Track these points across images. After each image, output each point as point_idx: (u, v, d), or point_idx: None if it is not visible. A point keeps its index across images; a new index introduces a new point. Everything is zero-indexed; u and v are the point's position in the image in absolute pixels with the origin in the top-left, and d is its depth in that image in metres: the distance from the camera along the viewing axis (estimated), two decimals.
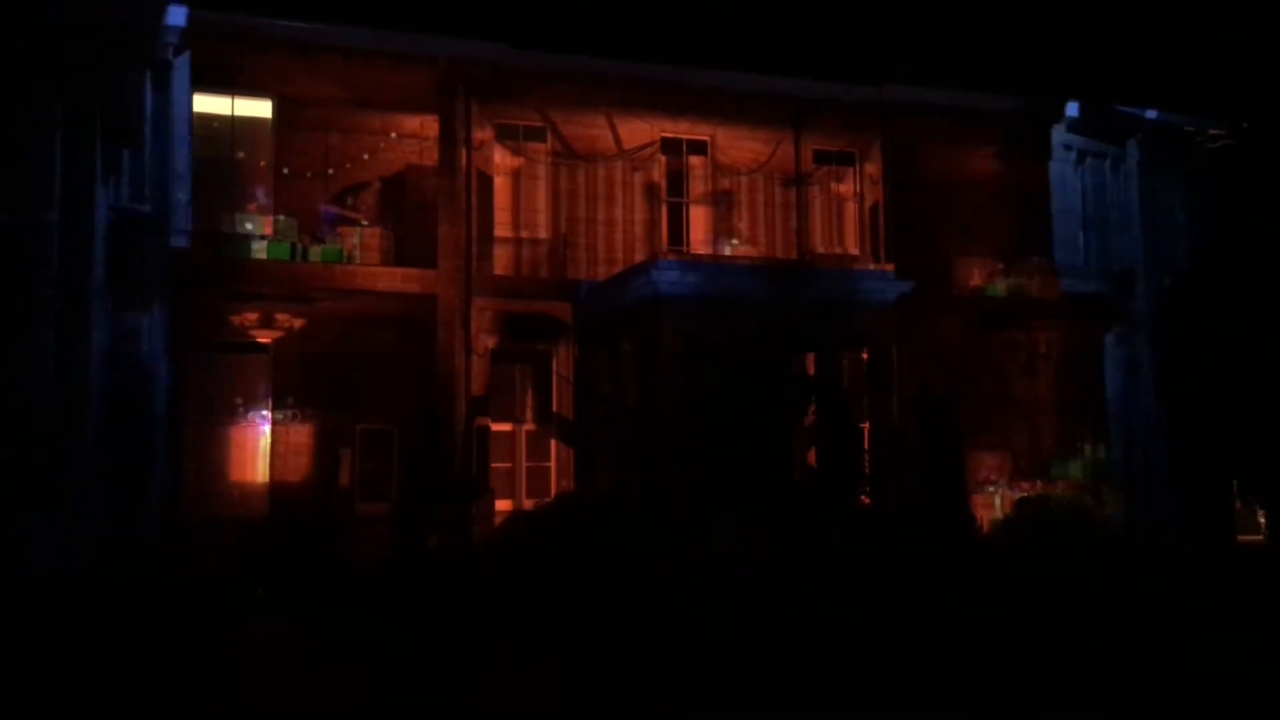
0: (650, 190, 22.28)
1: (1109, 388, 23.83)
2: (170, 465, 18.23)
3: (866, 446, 21.02)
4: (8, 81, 17.22)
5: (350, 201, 20.77)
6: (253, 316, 19.72)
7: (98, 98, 17.49)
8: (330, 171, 20.61)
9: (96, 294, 16.99)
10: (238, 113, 20.08)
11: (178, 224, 18.29)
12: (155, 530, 17.48)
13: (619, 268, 21.13)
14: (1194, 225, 25.47)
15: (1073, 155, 23.78)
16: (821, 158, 23.56)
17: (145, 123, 18.16)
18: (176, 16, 18.22)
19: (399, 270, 20.11)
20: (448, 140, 20.15)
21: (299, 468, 19.88)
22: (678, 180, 22.75)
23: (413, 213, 20.87)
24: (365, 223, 20.39)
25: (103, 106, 17.55)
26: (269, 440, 19.82)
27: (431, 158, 20.60)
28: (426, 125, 20.81)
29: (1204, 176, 25.55)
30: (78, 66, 17.43)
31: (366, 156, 20.90)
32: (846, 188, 24.00)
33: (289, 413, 19.87)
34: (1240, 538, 24.72)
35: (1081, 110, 23.56)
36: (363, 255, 19.98)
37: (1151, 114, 24.44)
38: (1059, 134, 23.57)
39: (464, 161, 20.32)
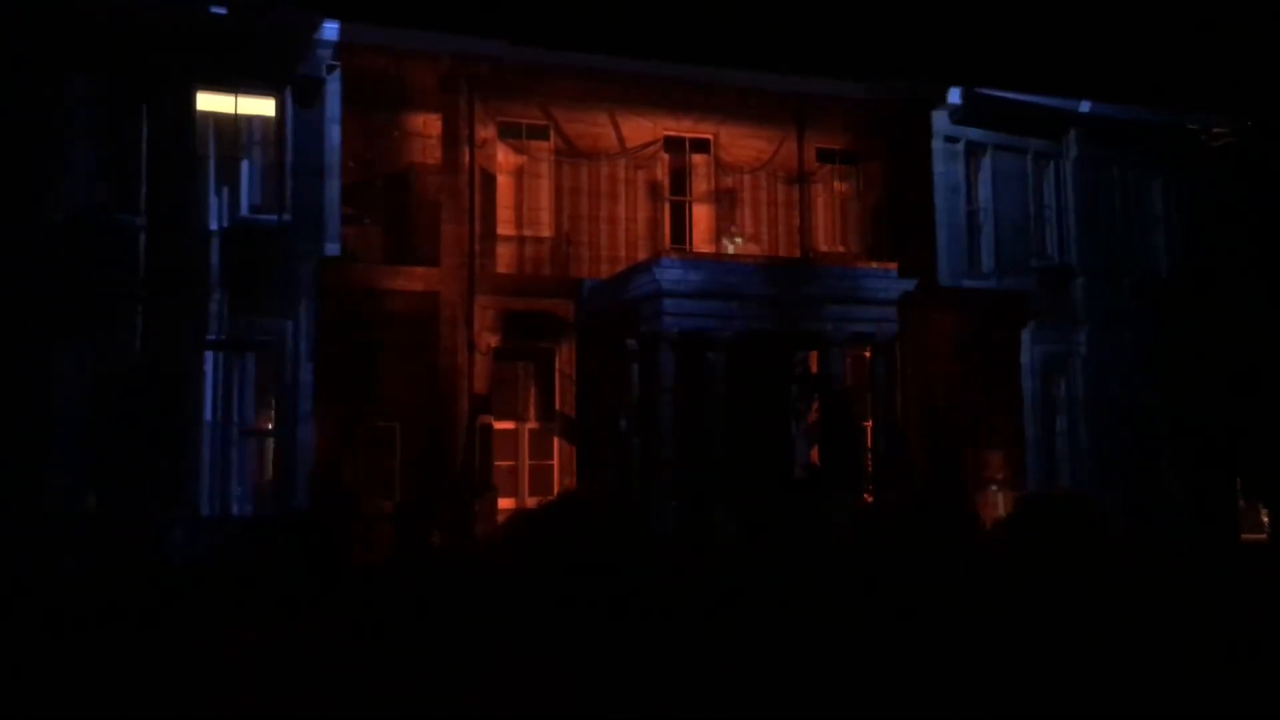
0: (653, 188, 22.28)
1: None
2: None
3: (869, 445, 21.04)
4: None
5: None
6: None
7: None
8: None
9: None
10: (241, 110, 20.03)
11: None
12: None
13: (622, 266, 21.14)
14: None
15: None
16: (824, 156, 23.54)
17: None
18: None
19: (401, 268, 20.17)
20: (450, 138, 20.20)
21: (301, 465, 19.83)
22: (680, 178, 22.75)
23: (415, 211, 20.89)
24: (368, 220, 20.43)
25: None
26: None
27: (434, 156, 20.61)
28: (429, 123, 20.82)
29: (1198, 174, 25.20)
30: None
31: (369, 155, 20.90)
32: (849, 186, 23.97)
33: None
34: (1244, 536, 24.70)
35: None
36: (366, 253, 20.04)
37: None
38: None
39: (467, 159, 20.39)
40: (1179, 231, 25.09)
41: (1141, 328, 24.11)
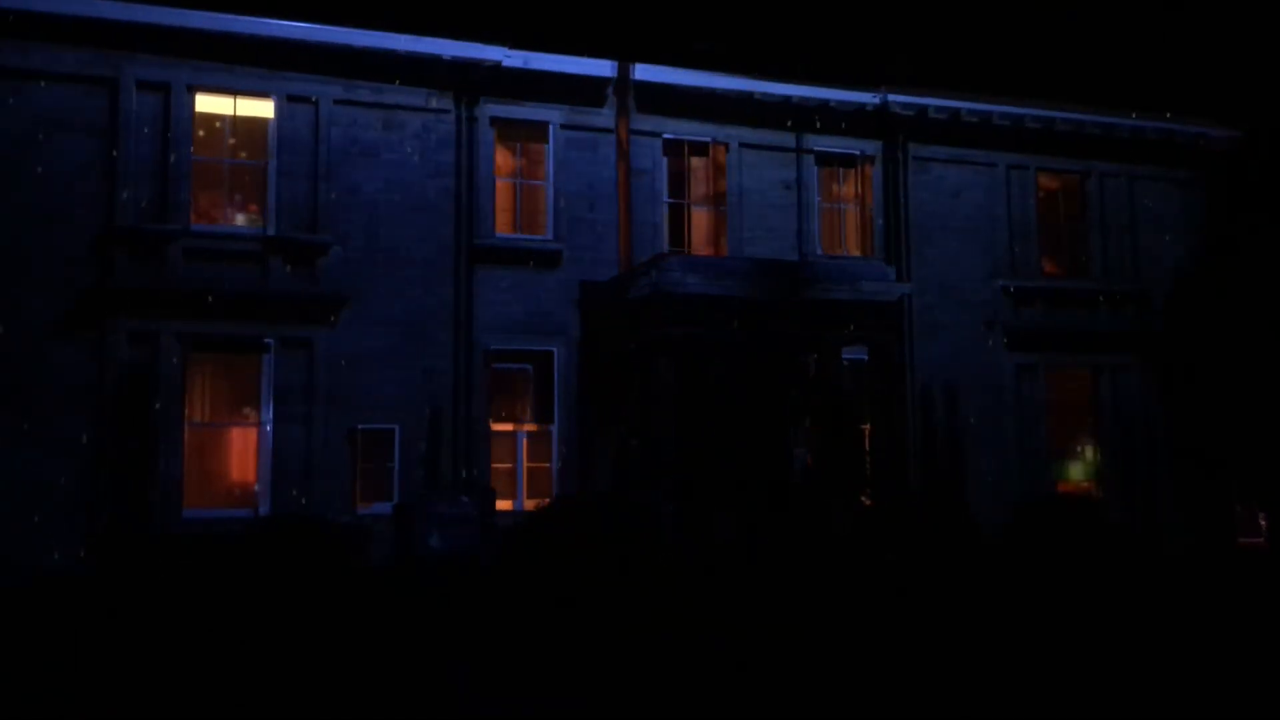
0: (653, 191, 22.24)
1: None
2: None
3: (867, 447, 21.04)
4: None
5: None
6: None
7: None
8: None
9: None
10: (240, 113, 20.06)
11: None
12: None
13: (621, 269, 21.13)
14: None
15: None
16: (823, 159, 23.53)
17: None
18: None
19: None
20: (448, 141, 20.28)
21: (300, 467, 19.79)
22: (680, 181, 22.74)
23: None
24: None
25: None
26: (270, 439, 19.74)
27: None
28: (427, 126, 20.81)
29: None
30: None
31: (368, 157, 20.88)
32: (848, 189, 23.97)
33: (291, 411, 19.80)
34: (1241, 540, 24.71)
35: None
36: None
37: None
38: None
39: (465, 162, 20.54)
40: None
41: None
